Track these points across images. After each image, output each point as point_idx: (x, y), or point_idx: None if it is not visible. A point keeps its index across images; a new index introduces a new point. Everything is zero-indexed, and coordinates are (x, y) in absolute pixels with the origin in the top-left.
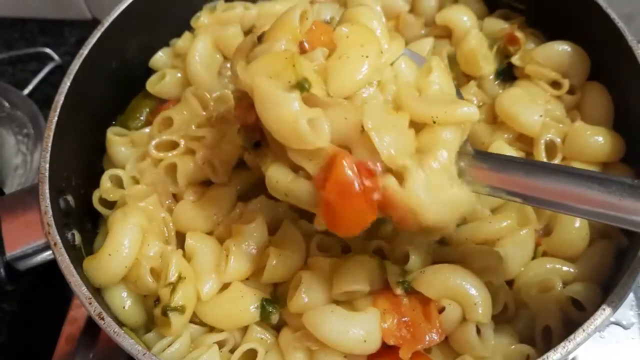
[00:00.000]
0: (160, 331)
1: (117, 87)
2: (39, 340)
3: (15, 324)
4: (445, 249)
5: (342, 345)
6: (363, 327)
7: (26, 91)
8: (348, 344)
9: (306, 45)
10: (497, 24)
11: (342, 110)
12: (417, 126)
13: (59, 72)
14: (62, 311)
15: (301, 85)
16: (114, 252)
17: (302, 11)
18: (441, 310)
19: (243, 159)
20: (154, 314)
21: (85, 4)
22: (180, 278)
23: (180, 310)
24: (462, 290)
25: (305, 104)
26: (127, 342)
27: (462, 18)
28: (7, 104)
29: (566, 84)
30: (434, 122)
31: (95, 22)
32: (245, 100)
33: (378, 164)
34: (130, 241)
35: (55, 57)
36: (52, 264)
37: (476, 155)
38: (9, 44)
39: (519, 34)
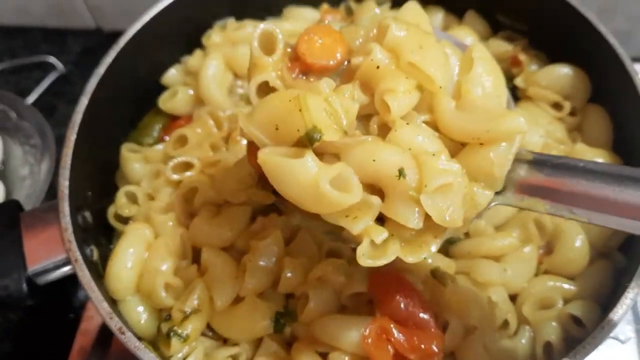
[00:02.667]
0: (159, 344)
1: (130, 104)
2: (47, 350)
3: (21, 334)
4: (450, 261)
5: (347, 345)
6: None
7: (30, 100)
8: (354, 344)
9: (313, 62)
10: (501, 46)
11: (368, 150)
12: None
13: (63, 80)
14: (69, 321)
15: (311, 137)
16: (120, 259)
17: (261, 35)
18: (445, 325)
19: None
20: (161, 327)
21: (89, 13)
22: (195, 310)
23: (184, 339)
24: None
25: (322, 151)
26: (148, 356)
27: (466, 40)
28: (13, 114)
29: (567, 106)
30: (480, 144)
31: (99, 32)
32: (255, 145)
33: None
34: (136, 249)
35: (59, 65)
36: None
37: (535, 161)
38: (12, 53)
39: (522, 57)
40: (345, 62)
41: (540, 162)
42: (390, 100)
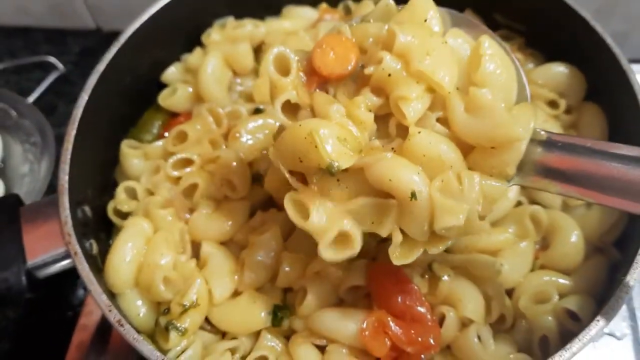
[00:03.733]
0: (157, 337)
1: (130, 101)
2: (45, 347)
3: (20, 332)
4: (447, 255)
5: (345, 338)
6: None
7: (30, 99)
8: (352, 336)
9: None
10: None
11: (385, 169)
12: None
13: (63, 80)
14: (67, 319)
15: (330, 171)
16: (118, 253)
17: (275, 58)
18: (441, 319)
19: (258, 174)
20: (159, 320)
21: (89, 13)
22: (194, 304)
23: (182, 332)
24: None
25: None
26: (146, 348)
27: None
28: (14, 113)
29: (563, 104)
30: (493, 148)
31: (99, 32)
32: None
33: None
34: (134, 242)
35: (59, 65)
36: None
37: (547, 141)
38: (13, 53)
39: (519, 55)
40: (360, 64)
41: (552, 142)
42: (404, 107)
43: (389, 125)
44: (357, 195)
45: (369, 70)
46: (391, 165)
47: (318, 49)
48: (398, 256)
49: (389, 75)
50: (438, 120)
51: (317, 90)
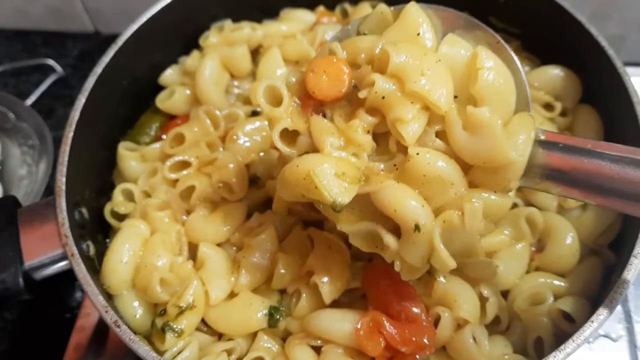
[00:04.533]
0: (153, 339)
1: (128, 103)
2: (43, 349)
3: (18, 332)
4: None
5: (340, 338)
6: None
7: (29, 102)
8: (347, 337)
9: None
10: None
11: (390, 197)
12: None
13: (61, 83)
14: (65, 320)
15: (335, 208)
16: (115, 254)
17: (265, 91)
18: (437, 319)
19: (255, 176)
20: (155, 321)
21: (88, 16)
22: (190, 306)
23: (178, 334)
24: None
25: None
26: (143, 348)
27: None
28: (12, 116)
29: (559, 106)
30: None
31: (97, 35)
32: None
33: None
34: (131, 244)
35: (58, 68)
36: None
37: (547, 142)
38: (11, 55)
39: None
40: (353, 84)
41: (552, 143)
42: (402, 129)
43: (389, 142)
44: (364, 217)
45: (362, 93)
46: (396, 195)
47: (310, 73)
48: (406, 273)
49: (383, 97)
50: (437, 133)
51: (313, 114)
